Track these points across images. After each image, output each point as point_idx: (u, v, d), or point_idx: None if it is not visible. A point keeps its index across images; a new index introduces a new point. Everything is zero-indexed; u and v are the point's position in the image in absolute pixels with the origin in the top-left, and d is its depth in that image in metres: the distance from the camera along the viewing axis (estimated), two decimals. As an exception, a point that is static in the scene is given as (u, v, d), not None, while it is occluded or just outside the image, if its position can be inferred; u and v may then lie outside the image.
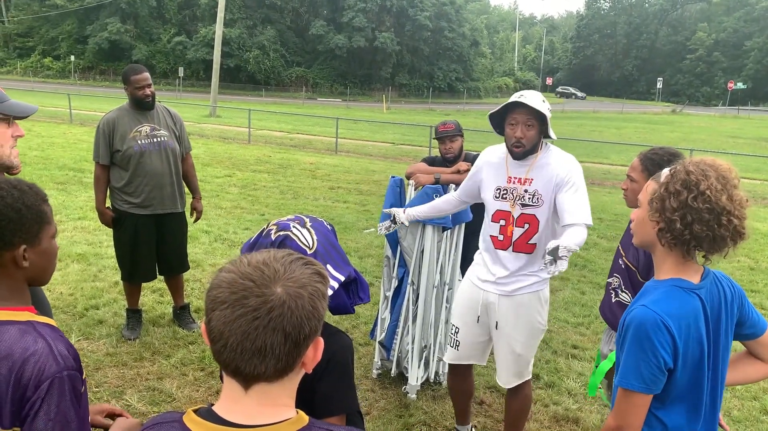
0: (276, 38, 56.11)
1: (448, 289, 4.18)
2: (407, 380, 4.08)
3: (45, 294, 4.51)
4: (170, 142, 4.56)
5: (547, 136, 3.01)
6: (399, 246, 4.18)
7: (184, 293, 5.05)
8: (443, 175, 4.11)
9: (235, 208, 9.42)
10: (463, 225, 4.17)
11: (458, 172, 4.16)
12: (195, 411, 1.08)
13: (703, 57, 76.43)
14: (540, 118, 2.94)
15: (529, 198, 2.96)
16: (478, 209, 4.35)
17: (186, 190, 4.85)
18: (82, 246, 6.77)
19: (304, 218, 1.87)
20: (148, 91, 4.42)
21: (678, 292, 1.72)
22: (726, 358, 1.83)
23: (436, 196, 3.94)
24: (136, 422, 1.64)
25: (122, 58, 51.90)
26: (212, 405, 1.09)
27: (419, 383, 4.07)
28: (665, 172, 1.77)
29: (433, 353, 4.18)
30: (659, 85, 64.50)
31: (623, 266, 2.75)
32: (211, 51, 37.42)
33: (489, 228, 3.09)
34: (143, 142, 4.44)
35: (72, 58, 51.47)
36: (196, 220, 5.01)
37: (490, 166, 3.11)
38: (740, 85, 63.95)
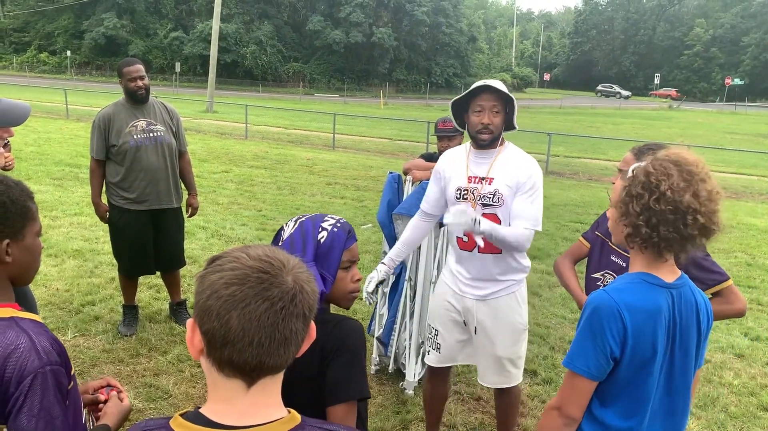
0: (273, 33, 55.95)
1: (446, 285, 4.18)
2: (405, 376, 4.07)
3: (37, 293, 4.50)
4: (166, 137, 4.53)
5: (511, 127, 2.95)
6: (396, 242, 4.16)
7: (181, 289, 5.02)
8: (441, 170, 4.09)
9: (232, 203, 9.40)
10: (461, 221, 4.15)
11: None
12: (182, 415, 1.05)
13: (700, 53, 76.41)
14: (506, 103, 2.86)
15: (489, 197, 2.87)
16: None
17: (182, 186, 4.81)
18: (79, 242, 6.74)
19: (304, 216, 1.81)
20: (140, 83, 4.37)
21: (643, 286, 1.69)
22: (687, 371, 1.76)
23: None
24: (126, 406, 1.65)
25: (119, 53, 51.68)
26: (199, 407, 1.06)
27: (416, 379, 4.07)
28: (629, 170, 1.72)
29: (431, 349, 4.18)
30: (656, 80, 64.51)
31: (620, 262, 2.67)
32: (207, 46, 37.31)
33: (453, 231, 2.98)
34: (139, 136, 4.40)
35: (68, 53, 51.29)
36: (191, 216, 4.99)
37: (450, 167, 3.00)
38: (737, 81, 63.99)
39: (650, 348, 1.66)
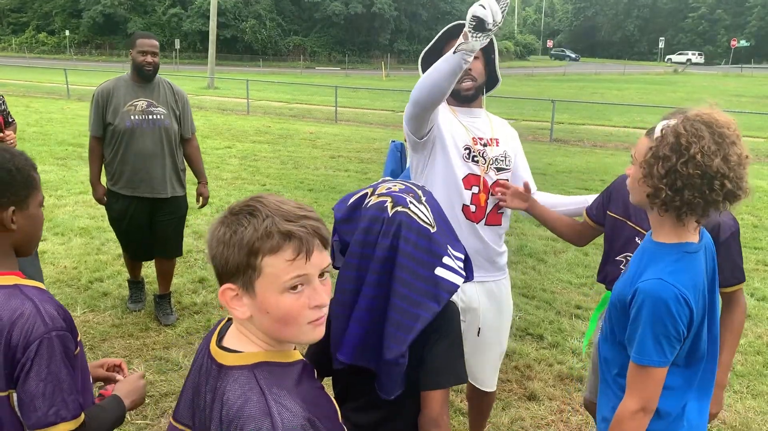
0: (272, 7, 55.39)
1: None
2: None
3: (45, 271, 4.49)
4: (167, 121, 4.19)
5: (494, 80, 2.63)
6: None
7: (190, 268, 4.96)
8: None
9: (235, 178, 9.40)
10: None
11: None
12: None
13: (705, 15, 75.27)
14: (485, 49, 2.40)
15: (502, 160, 2.56)
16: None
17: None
18: (85, 220, 6.77)
19: (416, 190, 1.69)
20: (150, 59, 4.07)
21: (686, 259, 1.64)
22: (717, 308, 1.78)
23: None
24: (141, 384, 1.66)
25: (117, 31, 51.36)
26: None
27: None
28: (657, 128, 1.63)
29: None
30: (661, 44, 63.74)
31: None
32: (206, 22, 36.98)
33: (456, 197, 2.49)
34: (136, 117, 4.09)
35: (67, 32, 50.92)
36: (201, 206, 4.67)
37: (444, 117, 2.52)
38: (743, 43, 63.19)
39: (702, 306, 1.67)
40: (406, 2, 58.71)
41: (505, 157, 2.57)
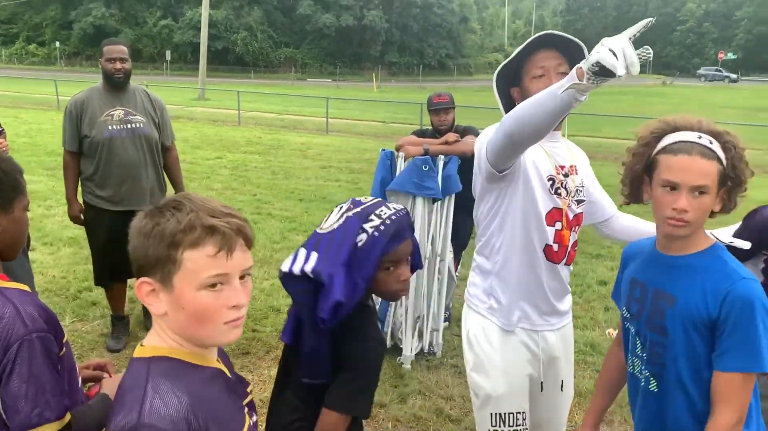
0: (263, 19, 55.57)
1: (440, 260, 4.19)
2: (401, 351, 4.11)
3: (34, 280, 4.41)
4: (147, 128, 3.99)
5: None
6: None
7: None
8: (432, 146, 4.10)
9: (226, 188, 9.39)
10: (453, 196, 4.17)
11: (447, 143, 4.16)
12: None
13: (693, 28, 76.24)
14: (573, 61, 2.05)
15: (581, 191, 2.23)
16: (467, 179, 4.35)
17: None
18: (73, 230, 6.72)
19: (375, 210, 1.66)
20: (119, 65, 3.87)
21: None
22: None
23: (426, 167, 3.95)
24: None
25: (108, 43, 51.25)
26: None
27: (413, 353, 4.11)
28: (709, 146, 1.60)
29: (427, 324, 4.21)
30: (650, 57, 64.23)
31: None
32: (197, 33, 36.99)
33: (536, 236, 2.13)
34: (115, 127, 3.88)
35: (57, 44, 50.84)
36: None
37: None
38: (731, 56, 63.93)
39: None
40: (397, 14, 59.09)
41: (583, 186, 2.26)
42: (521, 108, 1.83)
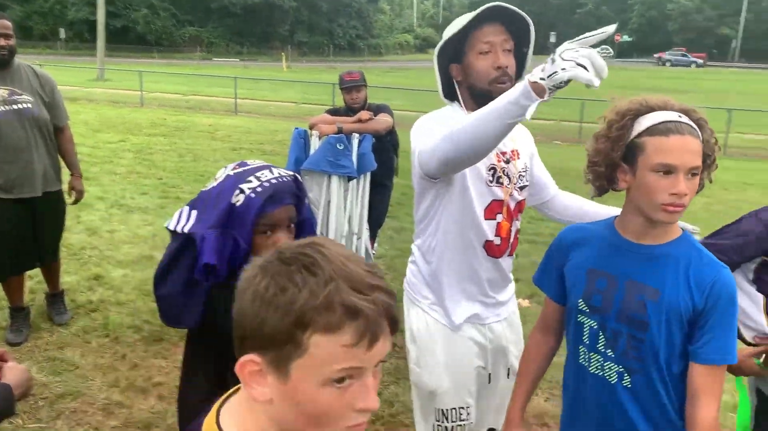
0: (165, -4, 53.27)
1: (357, 238, 4.21)
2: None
3: None
4: (35, 109, 3.72)
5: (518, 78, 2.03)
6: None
7: (83, 266, 4.73)
8: (345, 124, 4.10)
9: (130, 173, 9.00)
10: (368, 174, 4.18)
11: (360, 121, 4.17)
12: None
13: (592, 11, 79.42)
14: (520, 37, 2.00)
15: (524, 176, 2.10)
16: (383, 156, 4.38)
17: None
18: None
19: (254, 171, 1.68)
20: (2, 42, 3.58)
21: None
22: None
23: (340, 146, 3.94)
24: (28, 376, 1.58)
25: (-7, 19, 47.62)
26: None
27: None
28: (687, 123, 1.51)
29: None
30: (552, 38, 66.61)
31: None
32: (94, 10, 34.97)
33: (474, 234, 2.03)
34: (0, 109, 3.61)
35: (-66, 19, 46.77)
36: (75, 202, 4.18)
37: None
38: (626, 38, 67.11)
39: None
40: (306, -7, 58.21)
41: (526, 170, 2.11)
42: (462, 129, 1.69)
